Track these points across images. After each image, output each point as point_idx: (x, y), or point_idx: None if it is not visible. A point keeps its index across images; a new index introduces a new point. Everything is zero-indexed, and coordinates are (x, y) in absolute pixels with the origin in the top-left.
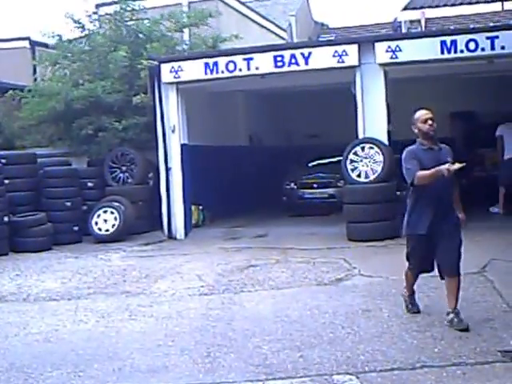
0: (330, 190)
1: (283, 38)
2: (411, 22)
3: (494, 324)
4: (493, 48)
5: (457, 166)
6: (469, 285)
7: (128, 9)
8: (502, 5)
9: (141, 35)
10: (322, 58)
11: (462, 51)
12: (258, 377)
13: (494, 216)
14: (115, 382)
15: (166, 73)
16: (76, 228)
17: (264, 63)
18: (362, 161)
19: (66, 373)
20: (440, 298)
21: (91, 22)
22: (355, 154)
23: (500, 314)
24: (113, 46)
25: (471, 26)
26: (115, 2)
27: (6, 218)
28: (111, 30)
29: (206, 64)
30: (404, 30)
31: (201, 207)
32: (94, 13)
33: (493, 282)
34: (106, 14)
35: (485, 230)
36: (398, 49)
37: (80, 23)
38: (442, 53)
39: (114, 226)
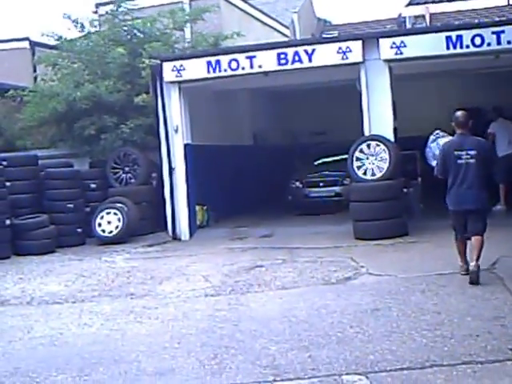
0: (336, 189)
1: (286, 36)
2: (416, 17)
3: (504, 322)
4: (499, 43)
5: None
6: None
7: (125, 7)
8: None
9: (139, 33)
10: (326, 54)
11: (467, 46)
12: (266, 378)
13: (499, 214)
14: None
15: (168, 72)
16: (79, 230)
17: (267, 61)
18: (368, 158)
19: (71, 377)
20: (449, 296)
21: (91, 23)
22: (361, 151)
23: (510, 311)
24: (111, 46)
25: (477, 21)
26: (113, 2)
27: (7, 221)
28: (109, 29)
29: (209, 62)
30: (408, 26)
31: (205, 207)
32: (95, 12)
33: (503, 279)
34: (106, 13)
35: (492, 227)
36: (402, 45)
37: (78, 23)
38: (448, 48)
39: (117, 227)
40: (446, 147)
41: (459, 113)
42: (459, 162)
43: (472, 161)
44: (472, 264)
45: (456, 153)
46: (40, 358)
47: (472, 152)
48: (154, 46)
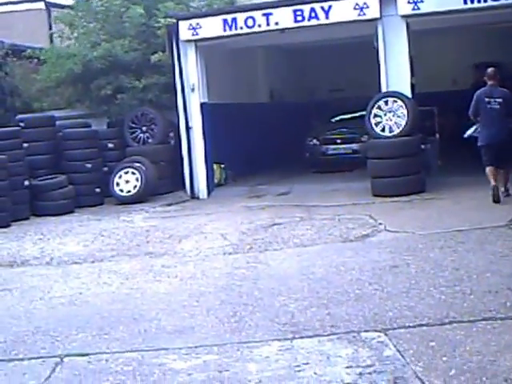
0: (354, 146)
1: None
2: None
3: None
4: None
5: None
6: (497, 238)
7: None
8: None
9: None
10: (343, 11)
11: (485, 0)
12: (285, 335)
13: None
14: (141, 343)
15: (184, 30)
16: (97, 190)
17: (283, 18)
18: (385, 115)
19: (91, 335)
20: (468, 253)
21: None
22: (379, 108)
23: None
24: (126, 5)
25: None
26: None
27: (26, 182)
28: None
29: (225, 20)
30: None
31: (223, 166)
32: None
33: None
34: None
35: None
36: (420, 0)
37: None
38: (465, 3)
39: (135, 187)
40: (479, 94)
41: (490, 69)
42: (489, 106)
43: (498, 106)
44: (502, 189)
45: (487, 99)
46: (60, 318)
47: (499, 100)
48: (169, 7)
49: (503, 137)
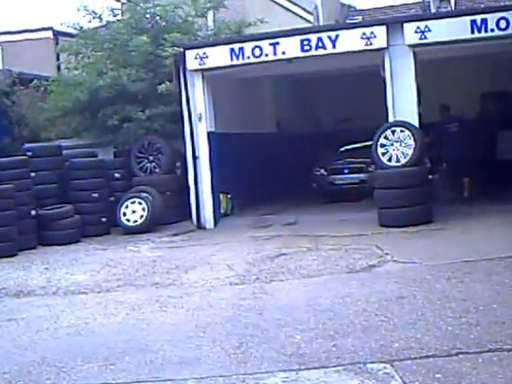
0: (361, 176)
1: (309, 21)
2: (440, 0)
3: None
4: None
5: None
6: (504, 269)
7: None
8: None
9: (161, 21)
10: (350, 40)
11: (492, 30)
12: (291, 367)
13: None
14: (147, 374)
15: (191, 60)
16: (104, 219)
17: (291, 47)
18: (392, 144)
19: (98, 366)
20: (475, 284)
21: (112, 12)
22: (386, 137)
23: None
24: (133, 34)
25: (502, 4)
26: None
27: (33, 212)
28: (131, 17)
29: (232, 50)
30: (433, 10)
31: (229, 196)
32: (117, 0)
33: None
34: (128, 1)
35: None
36: (427, 29)
37: (96, 13)
38: (473, 32)
39: (142, 216)
40: (441, 123)
41: (443, 103)
42: (450, 130)
43: (456, 129)
44: (465, 193)
45: (448, 126)
46: (66, 348)
47: (456, 124)
48: (176, 36)
49: (462, 153)
